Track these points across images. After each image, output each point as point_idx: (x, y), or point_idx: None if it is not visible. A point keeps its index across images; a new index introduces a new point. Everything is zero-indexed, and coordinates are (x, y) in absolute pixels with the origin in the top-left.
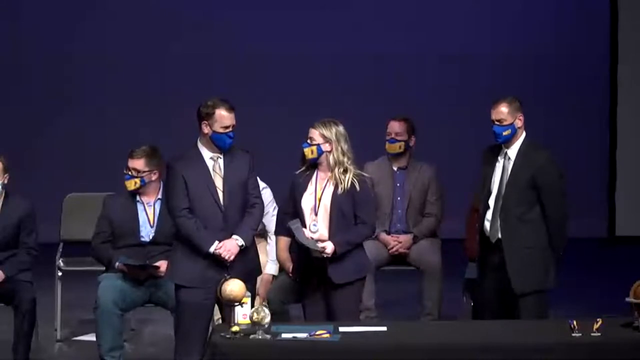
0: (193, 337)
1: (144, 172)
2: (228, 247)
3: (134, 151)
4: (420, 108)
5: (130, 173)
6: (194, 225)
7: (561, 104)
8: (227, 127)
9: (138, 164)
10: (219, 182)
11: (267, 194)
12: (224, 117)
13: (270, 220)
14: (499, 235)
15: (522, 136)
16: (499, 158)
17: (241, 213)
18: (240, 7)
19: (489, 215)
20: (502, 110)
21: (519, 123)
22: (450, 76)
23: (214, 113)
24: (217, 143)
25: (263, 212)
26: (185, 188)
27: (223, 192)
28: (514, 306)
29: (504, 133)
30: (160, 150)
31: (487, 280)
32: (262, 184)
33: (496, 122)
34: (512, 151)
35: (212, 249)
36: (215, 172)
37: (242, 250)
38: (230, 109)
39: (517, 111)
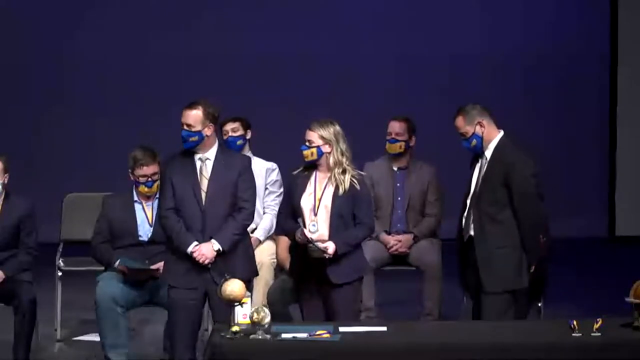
0: (180, 336)
1: (158, 173)
2: (203, 251)
3: (141, 160)
4: (420, 108)
5: (151, 179)
6: (176, 225)
7: (561, 104)
8: (182, 125)
9: (154, 168)
10: (204, 184)
11: (274, 174)
12: (182, 115)
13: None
14: (472, 233)
15: (498, 136)
16: (480, 159)
17: (224, 215)
18: (241, 8)
19: (465, 213)
20: (459, 125)
21: (479, 130)
22: (451, 76)
23: None
24: None
25: (251, 217)
26: (172, 188)
27: (206, 193)
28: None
29: (472, 145)
30: (160, 151)
31: (466, 277)
32: (272, 165)
33: (461, 137)
34: (489, 151)
35: (189, 250)
36: (202, 173)
37: (230, 253)
38: (187, 107)
39: (475, 118)
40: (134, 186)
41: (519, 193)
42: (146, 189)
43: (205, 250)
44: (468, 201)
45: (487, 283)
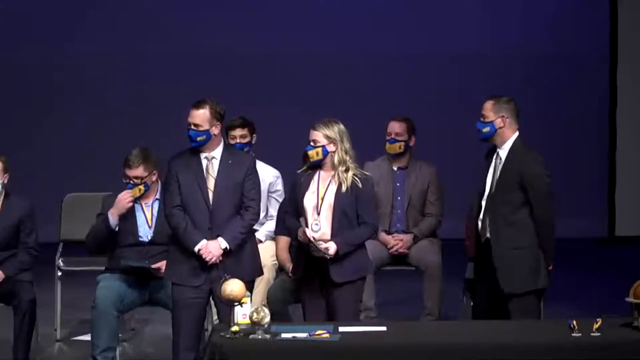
0: (186, 334)
1: (145, 177)
2: (210, 249)
3: (129, 160)
4: (420, 108)
5: (132, 182)
6: (183, 222)
7: (561, 104)
8: (189, 124)
9: (138, 172)
10: (210, 182)
11: (279, 184)
12: (189, 116)
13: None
14: (488, 235)
15: (514, 136)
16: (493, 158)
17: (231, 214)
18: (241, 8)
19: (481, 215)
20: (486, 106)
21: (499, 123)
22: (451, 76)
23: None
24: None
25: (257, 216)
26: (178, 186)
27: (213, 192)
28: (505, 306)
29: (483, 130)
30: (160, 151)
31: (481, 280)
32: (275, 172)
33: (480, 118)
34: (503, 151)
35: (196, 248)
36: (208, 172)
37: (237, 252)
38: (194, 107)
39: (501, 111)
40: None
41: (536, 194)
42: (129, 190)
43: (213, 248)
44: (483, 202)
45: (505, 284)
